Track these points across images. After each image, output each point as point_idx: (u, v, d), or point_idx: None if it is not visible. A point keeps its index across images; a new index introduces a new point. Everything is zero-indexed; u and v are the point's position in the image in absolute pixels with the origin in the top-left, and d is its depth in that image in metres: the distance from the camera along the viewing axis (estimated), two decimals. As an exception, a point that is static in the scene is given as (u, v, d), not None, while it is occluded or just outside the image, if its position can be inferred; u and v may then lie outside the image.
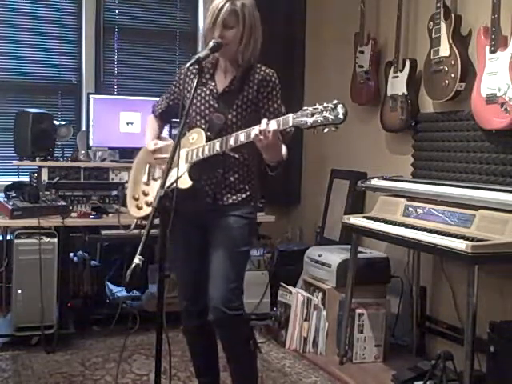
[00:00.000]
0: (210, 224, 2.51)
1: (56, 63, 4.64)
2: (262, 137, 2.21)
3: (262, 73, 2.48)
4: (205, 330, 2.63)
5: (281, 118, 2.19)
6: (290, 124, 2.15)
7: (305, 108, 2.11)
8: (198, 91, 2.50)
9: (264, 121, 2.22)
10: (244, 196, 2.51)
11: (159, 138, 2.72)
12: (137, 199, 2.69)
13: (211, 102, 2.50)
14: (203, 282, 2.52)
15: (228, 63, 2.50)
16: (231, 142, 2.33)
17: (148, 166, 2.69)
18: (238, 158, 2.48)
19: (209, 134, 2.45)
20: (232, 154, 2.46)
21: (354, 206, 4.27)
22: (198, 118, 2.51)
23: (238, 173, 2.50)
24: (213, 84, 2.51)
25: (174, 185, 2.26)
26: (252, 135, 2.25)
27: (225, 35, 2.38)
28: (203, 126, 2.48)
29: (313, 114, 2.08)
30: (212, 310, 2.44)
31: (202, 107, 2.51)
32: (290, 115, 2.16)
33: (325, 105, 2.07)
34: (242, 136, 2.30)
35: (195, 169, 2.43)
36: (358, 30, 4.19)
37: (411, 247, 3.30)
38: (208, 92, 2.51)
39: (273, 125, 2.20)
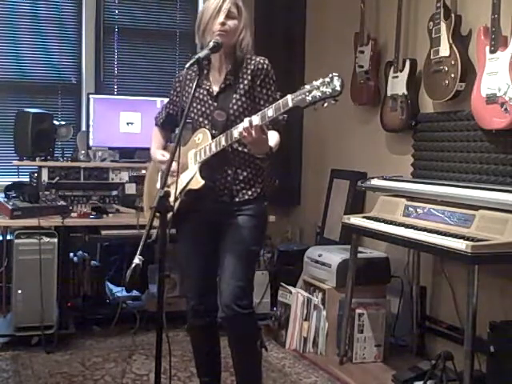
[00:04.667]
0: (223, 223, 2.52)
1: (56, 63, 4.65)
2: (246, 134, 2.24)
3: (253, 62, 2.51)
4: (209, 330, 2.65)
5: (280, 101, 2.20)
6: (290, 105, 2.15)
7: (302, 86, 2.13)
8: (196, 94, 2.51)
9: (246, 119, 2.24)
10: (258, 191, 2.52)
11: (165, 148, 2.74)
12: None
13: (210, 102, 2.52)
14: (211, 281, 2.56)
15: (223, 59, 2.51)
16: (235, 134, 2.34)
17: (160, 174, 2.67)
18: (247, 152, 2.48)
19: (214, 131, 2.47)
20: (240, 148, 2.47)
21: (354, 206, 4.26)
22: (201, 119, 2.53)
23: (250, 166, 2.51)
24: (208, 84, 2.53)
25: (189, 187, 2.36)
26: (239, 130, 2.27)
27: (227, 23, 2.45)
28: (207, 126, 2.50)
29: (310, 91, 2.09)
30: (222, 308, 2.47)
31: (203, 108, 2.53)
32: (289, 96, 2.16)
33: (321, 80, 2.09)
34: None
35: (206, 168, 2.45)
36: (357, 30, 4.19)
37: (411, 247, 3.30)
38: (205, 92, 2.53)
39: (255, 120, 2.22)
